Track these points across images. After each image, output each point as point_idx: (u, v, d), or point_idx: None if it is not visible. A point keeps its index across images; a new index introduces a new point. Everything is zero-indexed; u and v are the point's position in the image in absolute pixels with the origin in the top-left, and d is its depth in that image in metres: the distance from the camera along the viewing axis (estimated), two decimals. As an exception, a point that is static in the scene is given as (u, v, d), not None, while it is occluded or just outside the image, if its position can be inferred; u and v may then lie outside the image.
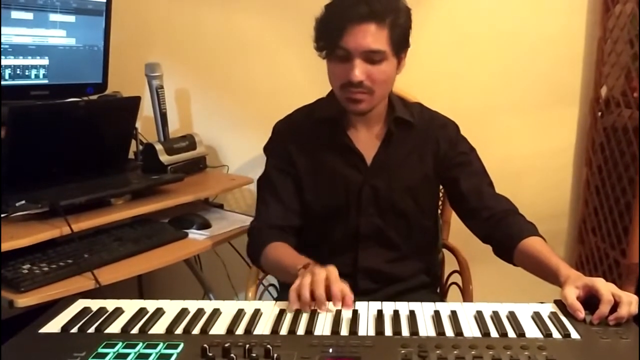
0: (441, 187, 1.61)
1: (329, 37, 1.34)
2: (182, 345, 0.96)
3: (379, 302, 1.12)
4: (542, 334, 0.99)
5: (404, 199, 1.47)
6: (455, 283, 1.64)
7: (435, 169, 1.49)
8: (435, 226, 1.64)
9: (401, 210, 1.48)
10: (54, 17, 1.75)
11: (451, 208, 1.55)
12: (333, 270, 1.15)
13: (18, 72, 1.69)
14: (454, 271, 1.65)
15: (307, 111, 1.54)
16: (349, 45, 1.31)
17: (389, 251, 1.49)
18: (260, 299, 1.58)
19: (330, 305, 1.10)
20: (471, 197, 1.45)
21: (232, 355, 0.90)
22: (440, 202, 1.72)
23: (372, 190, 1.46)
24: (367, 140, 1.47)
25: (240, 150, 2.25)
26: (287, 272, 1.28)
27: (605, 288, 1.06)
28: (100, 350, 0.95)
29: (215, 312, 1.08)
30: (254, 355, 0.90)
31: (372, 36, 1.30)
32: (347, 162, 1.47)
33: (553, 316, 1.06)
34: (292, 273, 1.23)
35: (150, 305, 1.12)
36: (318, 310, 1.08)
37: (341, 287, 1.12)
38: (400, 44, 1.35)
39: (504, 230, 1.37)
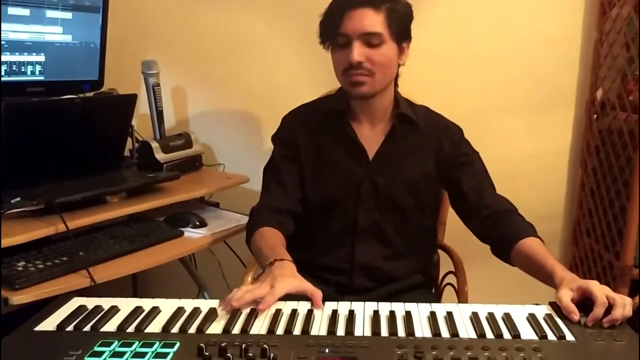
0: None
1: (330, 26, 1.40)
2: (178, 345, 0.96)
3: (375, 303, 1.12)
4: (537, 335, 1.00)
5: (403, 195, 1.48)
6: (451, 284, 1.64)
7: (437, 169, 1.50)
8: (434, 227, 1.65)
9: (399, 206, 1.49)
10: (50, 13, 1.74)
11: (452, 208, 1.55)
12: (280, 288, 1.13)
13: (14, 68, 1.68)
14: (449, 272, 1.66)
15: (315, 104, 1.58)
16: (347, 30, 1.36)
17: (386, 247, 1.50)
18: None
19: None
20: (472, 196, 1.46)
21: (228, 354, 0.90)
22: (436, 203, 1.72)
23: (371, 185, 1.47)
24: (370, 135, 1.49)
25: (236, 149, 2.25)
26: (262, 264, 1.31)
27: (600, 290, 1.06)
28: (96, 348, 0.94)
29: (212, 312, 1.08)
30: (250, 354, 0.90)
31: (368, 20, 1.36)
32: (349, 154, 1.48)
33: (548, 318, 1.06)
34: (264, 265, 1.25)
35: (147, 304, 1.12)
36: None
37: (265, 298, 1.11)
38: (399, 30, 1.39)
39: (502, 230, 1.38)
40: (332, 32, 1.40)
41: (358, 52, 1.36)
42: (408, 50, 1.45)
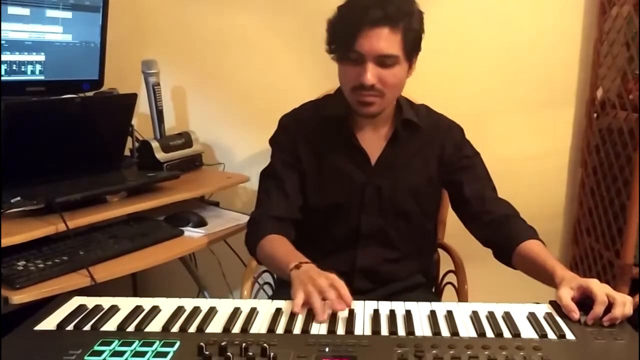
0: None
1: (342, 40, 1.33)
2: (178, 344, 0.96)
3: (375, 302, 1.12)
4: (538, 334, 1.00)
5: (407, 200, 1.47)
6: (451, 283, 1.64)
7: (439, 172, 1.49)
8: (434, 226, 1.64)
9: (403, 211, 1.48)
10: (50, 13, 1.74)
11: (453, 211, 1.55)
12: (334, 277, 1.14)
13: (14, 68, 1.68)
14: (449, 271, 1.66)
15: (314, 107, 1.54)
16: (363, 49, 1.30)
17: (388, 251, 1.49)
18: (255, 297, 1.58)
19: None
20: (473, 201, 1.45)
21: (228, 353, 0.90)
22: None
23: (375, 190, 1.46)
24: (373, 140, 1.47)
25: (236, 148, 2.24)
26: (280, 268, 1.29)
27: (600, 289, 1.06)
28: (96, 348, 0.95)
29: (212, 311, 1.08)
30: (250, 354, 0.90)
31: (385, 41, 1.30)
32: (351, 160, 1.46)
33: (548, 317, 1.06)
34: (284, 270, 1.23)
35: (147, 303, 1.12)
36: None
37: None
38: (412, 48, 1.35)
39: (503, 234, 1.38)
40: (344, 48, 1.33)
41: (372, 74, 1.31)
42: (415, 64, 1.41)
